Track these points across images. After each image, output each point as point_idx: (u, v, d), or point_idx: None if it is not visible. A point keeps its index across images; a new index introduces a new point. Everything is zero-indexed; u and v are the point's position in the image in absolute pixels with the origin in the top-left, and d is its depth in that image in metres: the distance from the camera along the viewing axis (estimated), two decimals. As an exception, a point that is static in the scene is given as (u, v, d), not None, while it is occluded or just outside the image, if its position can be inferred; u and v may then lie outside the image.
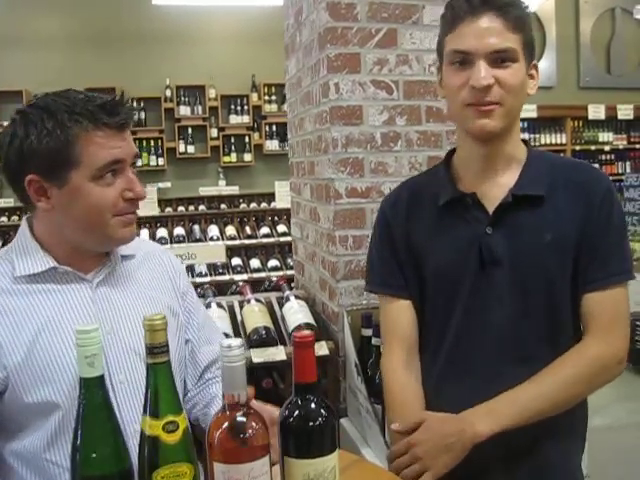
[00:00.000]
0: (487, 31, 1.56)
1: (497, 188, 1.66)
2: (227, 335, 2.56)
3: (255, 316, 2.78)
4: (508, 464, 1.63)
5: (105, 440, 1.18)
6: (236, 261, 6.69)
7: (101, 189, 1.54)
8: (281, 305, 2.95)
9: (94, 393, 1.18)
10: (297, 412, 1.20)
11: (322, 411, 1.20)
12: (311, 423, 1.19)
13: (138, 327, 1.64)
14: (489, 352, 1.64)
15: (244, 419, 1.16)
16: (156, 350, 1.16)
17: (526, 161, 1.69)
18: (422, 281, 1.75)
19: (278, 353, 2.59)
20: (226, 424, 1.15)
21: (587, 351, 1.60)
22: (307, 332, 1.20)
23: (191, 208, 8.05)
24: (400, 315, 1.80)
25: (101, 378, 1.18)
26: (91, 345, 1.15)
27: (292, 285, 3.49)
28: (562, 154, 8.04)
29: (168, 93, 8.30)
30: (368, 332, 2.43)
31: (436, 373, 1.73)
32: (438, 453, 1.53)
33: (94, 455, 1.17)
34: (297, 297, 2.94)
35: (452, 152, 1.81)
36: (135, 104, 8.07)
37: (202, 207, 8.06)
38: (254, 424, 1.16)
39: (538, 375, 1.58)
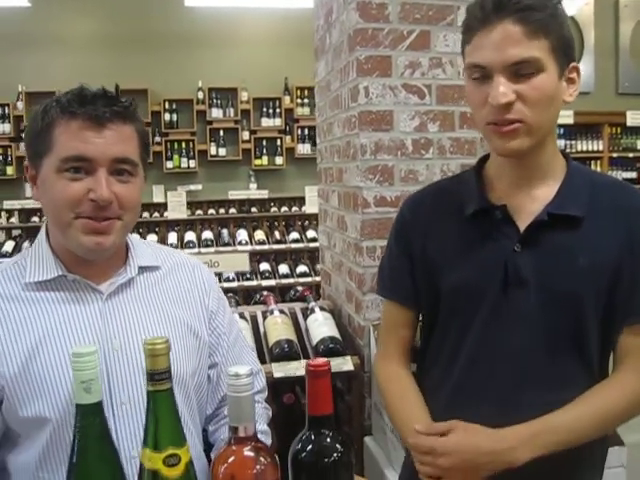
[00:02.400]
0: (504, 41, 1.39)
1: (531, 202, 1.53)
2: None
3: (278, 328, 2.70)
4: None
5: (101, 471, 1.10)
6: (264, 266, 6.62)
7: (64, 183, 1.44)
8: (305, 317, 2.86)
9: (91, 421, 1.10)
10: (310, 447, 1.10)
11: (337, 446, 1.11)
12: (325, 459, 1.10)
13: None
14: (505, 379, 1.51)
15: (251, 454, 1.06)
16: (157, 377, 1.07)
17: (565, 176, 1.55)
18: (436, 295, 1.62)
19: (300, 368, 2.50)
20: (232, 458, 1.06)
21: (629, 384, 1.50)
22: (322, 360, 1.11)
23: (221, 211, 8.05)
24: (400, 320, 1.73)
25: (99, 405, 1.10)
26: (87, 370, 1.07)
27: (319, 293, 3.40)
28: (599, 162, 7.89)
29: (200, 95, 8.34)
30: (395, 347, 2.33)
31: (445, 396, 1.60)
32: (465, 470, 1.42)
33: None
34: (322, 308, 2.85)
35: (485, 158, 1.68)
36: (167, 105, 8.09)
37: (232, 210, 8.05)
38: (262, 459, 1.07)
39: (577, 404, 1.47)
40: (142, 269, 1.63)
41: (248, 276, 6.36)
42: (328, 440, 1.11)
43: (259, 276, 6.49)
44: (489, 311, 1.52)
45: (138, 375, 1.52)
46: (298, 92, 8.53)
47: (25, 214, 7.73)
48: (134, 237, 1.67)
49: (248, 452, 1.07)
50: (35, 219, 7.66)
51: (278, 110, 8.52)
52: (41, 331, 1.48)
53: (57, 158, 1.43)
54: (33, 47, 7.84)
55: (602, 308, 1.49)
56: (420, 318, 1.75)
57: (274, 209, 8.14)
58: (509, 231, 1.52)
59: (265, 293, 3.32)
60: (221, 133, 8.41)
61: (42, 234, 1.59)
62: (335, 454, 1.10)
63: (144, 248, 1.69)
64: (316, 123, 3.45)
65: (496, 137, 1.47)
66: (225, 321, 1.76)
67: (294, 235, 7.16)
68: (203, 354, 1.67)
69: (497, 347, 1.52)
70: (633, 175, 8.01)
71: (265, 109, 8.52)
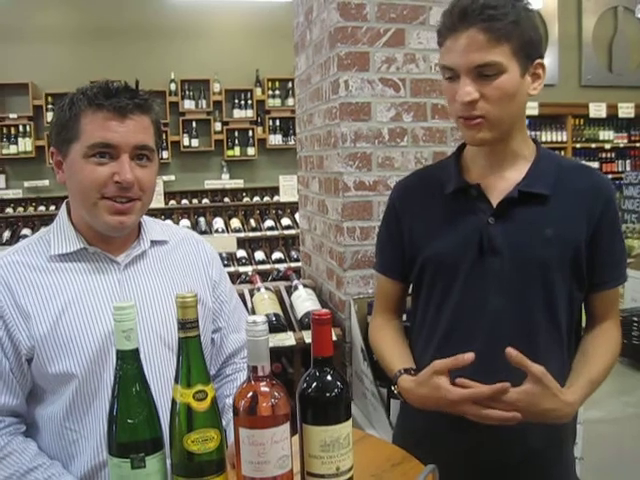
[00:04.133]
0: (468, 47, 1.56)
1: (503, 182, 1.72)
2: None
3: (265, 303, 2.89)
4: (498, 444, 1.69)
5: (140, 408, 1.28)
6: (241, 253, 6.79)
7: (92, 167, 1.60)
8: (290, 293, 3.06)
9: (130, 364, 1.28)
10: (315, 383, 1.31)
11: (338, 383, 1.31)
12: (328, 393, 1.30)
13: (162, 311, 1.73)
14: (482, 336, 1.67)
15: (267, 389, 1.27)
16: (188, 325, 1.26)
17: (534, 159, 1.74)
18: (422, 264, 1.81)
19: (288, 339, 2.70)
20: (251, 393, 1.26)
21: (615, 335, 1.76)
22: (325, 310, 1.31)
23: (195, 201, 8.13)
24: (390, 290, 1.94)
25: (136, 351, 1.28)
26: (127, 320, 1.25)
27: (299, 276, 3.58)
28: (562, 152, 8.07)
29: (173, 87, 8.38)
30: (374, 319, 2.53)
31: (432, 352, 1.75)
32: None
33: (130, 422, 1.27)
34: (305, 286, 3.05)
35: (464, 145, 1.87)
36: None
37: (206, 200, 8.15)
38: (276, 393, 1.27)
39: (598, 357, 1.70)
40: (153, 243, 1.81)
41: (226, 262, 6.50)
42: (329, 378, 1.31)
43: (237, 262, 6.66)
44: (467, 276, 1.71)
45: (152, 337, 1.70)
46: (269, 84, 8.61)
47: (0, 205, 7.82)
48: (144, 216, 1.84)
49: (265, 388, 1.27)
50: (9, 210, 7.75)
51: (250, 102, 8.58)
52: (66, 297, 1.64)
53: (85, 145, 1.60)
54: (5, 38, 7.85)
55: (569, 276, 1.69)
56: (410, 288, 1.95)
57: (247, 199, 8.25)
58: (484, 207, 1.71)
59: (250, 273, 3.50)
60: (194, 124, 8.46)
61: (63, 212, 1.75)
62: (336, 389, 1.30)
63: (153, 224, 1.87)
64: (296, 114, 3.63)
65: (465, 129, 1.67)
66: (226, 290, 1.95)
67: (269, 223, 7.34)
68: (207, 319, 1.84)
69: (475, 308, 1.70)
70: (595, 165, 8.20)
71: (237, 100, 8.57)
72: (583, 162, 2.06)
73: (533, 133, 8.14)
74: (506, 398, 1.50)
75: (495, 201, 1.71)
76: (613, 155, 8.61)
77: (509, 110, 1.63)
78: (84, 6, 8.02)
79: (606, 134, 8.51)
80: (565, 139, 8.31)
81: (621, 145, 8.55)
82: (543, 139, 8.20)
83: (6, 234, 6.99)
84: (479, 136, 1.65)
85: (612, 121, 8.44)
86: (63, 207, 1.78)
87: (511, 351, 1.50)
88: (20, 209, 7.79)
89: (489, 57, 1.56)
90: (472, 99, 1.59)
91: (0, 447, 1.57)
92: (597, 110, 8.07)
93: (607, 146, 8.50)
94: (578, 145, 8.36)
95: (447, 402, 1.56)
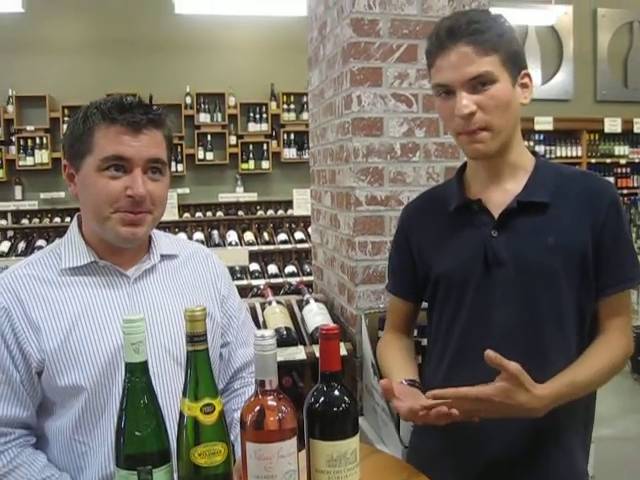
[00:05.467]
0: (460, 61, 1.62)
1: (503, 194, 1.74)
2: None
3: (276, 317, 2.89)
4: (511, 466, 1.70)
5: (147, 421, 1.29)
6: (254, 266, 6.81)
7: (105, 180, 1.62)
8: (301, 307, 3.06)
9: (139, 377, 1.28)
10: (323, 398, 1.31)
11: (345, 398, 1.32)
12: (335, 408, 1.31)
13: (171, 325, 1.74)
14: (493, 346, 1.59)
15: (275, 403, 1.27)
16: (196, 339, 1.27)
17: (533, 170, 1.76)
18: (433, 282, 1.84)
19: (298, 353, 2.70)
20: (258, 407, 1.27)
21: (617, 343, 1.71)
22: (333, 325, 1.32)
23: (209, 214, 8.16)
24: (400, 309, 1.99)
25: (145, 364, 1.29)
26: (136, 333, 1.26)
27: (311, 290, 3.59)
28: (577, 167, 8.05)
29: (188, 100, 8.42)
30: (385, 334, 2.53)
31: (445, 367, 1.79)
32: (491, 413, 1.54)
33: (137, 434, 1.28)
34: (316, 300, 3.05)
35: (465, 164, 1.90)
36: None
37: (220, 213, 8.17)
38: (284, 408, 1.27)
39: (590, 361, 1.65)
40: (163, 257, 1.82)
41: (239, 275, 6.54)
42: (337, 392, 1.31)
43: (249, 275, 6.68)
44: (476, 289, 1.73)
45: (160, 350, 1.71)
46: (284, 98, 8.64)
47: (16, 216, 7.88)
48: (154, 230, 1.85)
49: (272, 402, 1.27)
50: (25, 221, 7.81)
51: (265, 115, 8.61)
52: (77, 310, 1.66)
53: (98, 158, 1.62)
54: (24, 51, 7.93)
55: (576, 284, 1.69)
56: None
57: (260, 212, 8.27)
58: (486, 220, 1.74)
59: (262, 287, 3.50)
60: (209, 138, 8.49)
61: (74, 226, 1.77)
62: (344, 404, 1.31)
63: (163, 238, 1.88)
64: (309, 128, 3.64)
65: (466, 144, 1.70)
66: (235, 304, 1.96)
67: (282, 236, 7.36)
68: (216, 334, 1.84)
69: (485, 319, 1.72)
70: (611, 180, 8.21)
71: (252, 114, 8.61)
72: (584, 169, 2.07)
73: (547, 148, 8.15)
74: (482, 394, 1.49)
75: (496, 214, 1.73)
76: (628, 170, 8.60)
77: (507, 118, 1.67)
78: (101, 20, 8.11)
79: (621, 149, 8.50)
80: (580, 154, 8.32)
81: (636, 160, 8.54)
82: (558, 154, 8.21)
83: (21, 245, 7.04)
84: (482, 147, 1.68)
85: (627, 136, 8.44)
86: (74, 221, 1.79)
87: (489, 353, 1.49)
88: (36, 220, 7.84)
89: (481, 68, 1.61)
90: (470, 111, 1.63)
91: (10, 459, 1.58)
92: (612, 125, 8.07)
93: (622, 161, 8.49)
94: (593, 160, 8.36)
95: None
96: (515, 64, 1.67)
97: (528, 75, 1.72)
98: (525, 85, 1.72)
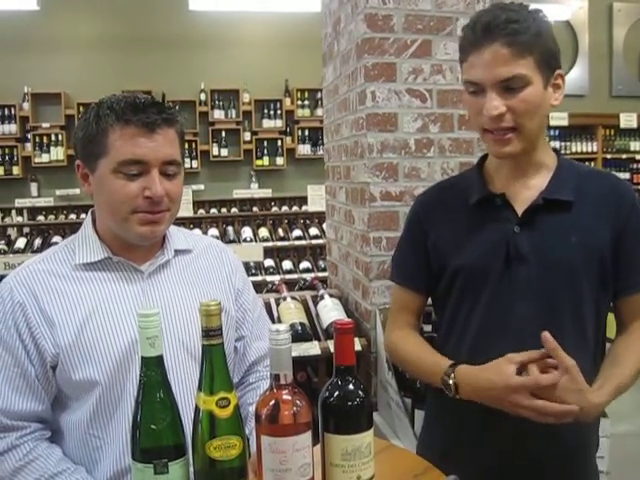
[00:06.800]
0: (493, 62, 1.58)
1: (527, 190, 1.73)
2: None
3: (291, 312, 2.90)
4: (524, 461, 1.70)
5: (163, 414, 1.29)
6: (269, 262, 6.82)
7: (122, 183, 1.61)
8: (316, 303, 3.07)
9: (154, 371, 1.29)
10: (337, 392, 1.32)
11: (359, 392, 1.32)
12: (350, 402, 1.31)
13: (185, 319, 1.74)
14: (510, 347, 1.64)
15: (289, 397, 1.28)
16: (211, 333, 1.27)
17: (556, 168, 1.75)
18: (449, 276, 1.81)
19: (313, 348, 2.70)
20: (273, 401, 1.27)
21: None
22: (347, 320, 1.32)
23: (223, 210, 8.18)
24: (409, 302, 1.93)
25: (160, 358, 1.29)
26: (151, 327, 1.26)
27: (325, 284, 3.59)
28: (593, 163, 8.02)
29: (203, 97, 8.46)
30: (399, 329, 2.52)
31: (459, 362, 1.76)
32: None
33: (153, 428, 1.28)
34: (331, 295, 3.06)
35: (485, 156, 1.89)
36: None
37: (234, 209, 8.20)
38: (298, 402, 1.28)
39: (629, 360, 1.67)
40: (177, 252, 1.82)
41: (254, 271, 6.55)
42: (351, 387, 1.31)
43: (264, 271, 6.69)
44: (495, 284, 1.71)
45: (175, 345, 1.71)
46: (298, 94, 8.66)
47: (32, 212, 7.92)
48: None
49: (287, 396, 1.28)
50: (40, 217, 7.85)
51: (279, 111, 8.64)
52: (91, 305, 1.66)
53: (114, 161, 1.61)
54: (39, 49, 7.99)
55: (595, 283, 1.68)
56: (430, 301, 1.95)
57: (275, 208, 8.29)
58: (509, 215, 1.72)
59: (277, 282, 3.51)
60: (223, 134, 8.53)
61: (88, 222, 1.77)
62: (358, 398, 1.31)
63: (178, 233, 1.88)
64: (323, 124, 3.65)
65: (492, 143, 1.68)
66: (250, 298, 1.95)
67: (297, 232, 7.37)
68: (230, 328, 1.84)
69: (503, 314, 1.70)
70: (626, 176, 8.16)
71: (266, 110, 8.63)
72: (600, 168, 2.06)
73: (563, 144, 8.09)
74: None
75: (520, 210, 1.72)
76: (644, 166, 8.52)
77: (536, 121, 1.65)
78: (115, 17, 8.15)
79: (637, 145, 8.43)
80: (595, 150, 8.25)
81: (652, 156, 8.45)
82: (573, 150, 8.16)
83: (37, 241, 7.08)
84: (508, 149, 1.66)
85: (643, 132, 8.36)
86: (88, 217, 1.79)
87: (547, 335, 1.50)
88: (51, 217, 7.88)
89: (515, 70, 1.58)
90: (500, 113, 1.60)
91: (26, 452, 1.59)
92: (628, 120, 8.01)
93: (638, 157, 8.41)
94: (608, 156, 8.29)
95: (502, 391, 1.54)
96: (550, 65, 1.64)
97: (561, 76, 1.69)
98: (557, 86, 1.69)
